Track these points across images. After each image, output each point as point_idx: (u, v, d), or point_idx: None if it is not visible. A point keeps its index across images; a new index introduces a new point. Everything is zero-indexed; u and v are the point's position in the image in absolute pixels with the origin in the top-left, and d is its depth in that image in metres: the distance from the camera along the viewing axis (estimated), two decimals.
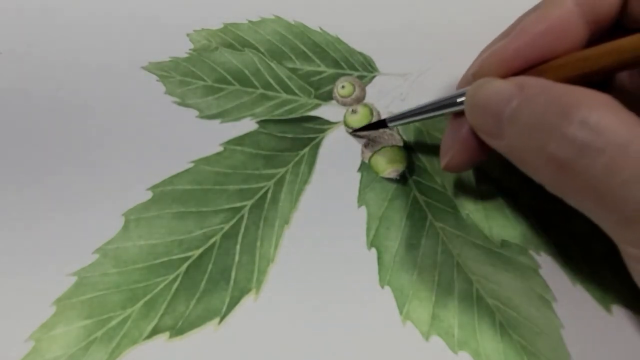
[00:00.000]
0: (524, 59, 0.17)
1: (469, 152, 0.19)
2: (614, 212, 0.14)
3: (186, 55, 0.27)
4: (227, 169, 0.23)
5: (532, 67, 0.18)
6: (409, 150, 0.24)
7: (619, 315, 0.20)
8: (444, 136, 0.21)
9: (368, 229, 0.22)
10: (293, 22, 0.29)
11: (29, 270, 0.21)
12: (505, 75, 0.18)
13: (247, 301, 0.20)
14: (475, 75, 0.19)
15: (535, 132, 0.15)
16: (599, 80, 0.17)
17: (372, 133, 0.24)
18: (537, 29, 0.17)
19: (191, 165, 0.24)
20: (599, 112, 0.14)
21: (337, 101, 0.26)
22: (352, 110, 0.25)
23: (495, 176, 0.24)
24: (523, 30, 0.17)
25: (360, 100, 0.26)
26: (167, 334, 0.20)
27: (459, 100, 0.19)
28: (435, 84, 0.26)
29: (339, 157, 0.24)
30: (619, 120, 0.14)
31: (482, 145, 0.18)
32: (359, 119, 0.25)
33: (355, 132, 0.24)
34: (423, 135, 0.25)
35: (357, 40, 0.28)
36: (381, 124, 0.23)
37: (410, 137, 0.25)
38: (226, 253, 0.21)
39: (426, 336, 0.20)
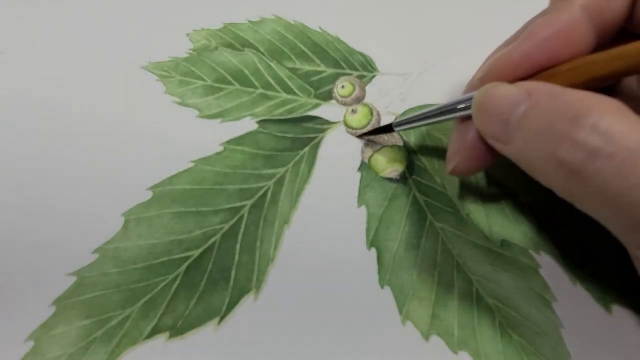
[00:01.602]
0: (531, 64, 0.17)
1: (476, 157, 0.19)
2: (624, 217, 0.14)
3: (186, 55, 0.27)
4: (227, 169, 0.23)
5: (540, 71, 0.17)
6: (409, 150, 0.24)
7: (619, 315, 0.20)
8: (450, 140, 0.20)
9: (368, 229, 0.22)
10: (293, 22, 0.29)
11: (29, 270, 0.21)
12: (513, 80, 0.17)
13: (247, 301, 0.20)
14: (482, 80, 0.18)
15: (544, 138, 0.15)
16: (607, 85, 0.17)
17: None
18: (545, 33, 0.17)
19: (191, 165, 0.24)
20: (609, 117, 0.14)
21: (337, 101, 0.26)
22: (352, 110, 0.25)
23: (495, 176, 0.24)
24: (531, 35, 0.17)
25: (360, 100, 0.26)
26: (167, 334, 0.20)
27: (466, 105, 0.19)
28: (435, 84, 0.26)
29: (339, 157, 0.24)
30: (630, 126, 0.14)
31: (489, 150, 0.18)
32: (359, 119, 0.25)
33: (361, 136, 0.24)
34: (423, 135, 0.25)
35: (357, 40, 0.28)
36: (387, 128, 0.23)
37: (410, 137, 0.25)
38: (226, 253, 0.21)
39: (426, 336, 0.20)
